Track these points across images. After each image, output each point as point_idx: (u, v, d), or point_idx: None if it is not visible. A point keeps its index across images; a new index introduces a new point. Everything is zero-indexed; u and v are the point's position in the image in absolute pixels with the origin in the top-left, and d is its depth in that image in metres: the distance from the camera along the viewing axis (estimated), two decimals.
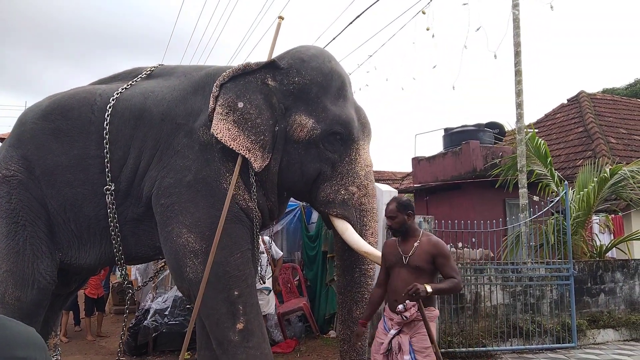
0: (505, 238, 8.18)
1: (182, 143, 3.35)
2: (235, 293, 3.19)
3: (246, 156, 3.23)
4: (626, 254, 8.45)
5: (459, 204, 10.90)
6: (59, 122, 3.52)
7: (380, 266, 3.35)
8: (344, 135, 3.48)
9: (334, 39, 8.03)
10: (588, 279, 7.23)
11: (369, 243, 3.43)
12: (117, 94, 3.55)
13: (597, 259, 7.88)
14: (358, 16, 8.15)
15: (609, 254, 8.38)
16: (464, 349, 6.01)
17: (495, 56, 8.20)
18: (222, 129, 3.20)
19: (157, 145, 3.41)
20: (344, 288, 3.59)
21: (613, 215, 9.18)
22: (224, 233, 3.20)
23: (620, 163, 9.02)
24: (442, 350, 5.97)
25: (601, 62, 54.46)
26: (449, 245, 7.41)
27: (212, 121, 3.23)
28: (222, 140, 3.18)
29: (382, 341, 3.20)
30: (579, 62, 52.29)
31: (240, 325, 3.16)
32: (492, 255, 6.96)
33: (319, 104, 3.44)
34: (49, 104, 3.65)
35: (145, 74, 3.82)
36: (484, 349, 6.09)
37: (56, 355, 4.07)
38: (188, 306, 6.56)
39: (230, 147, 3.19)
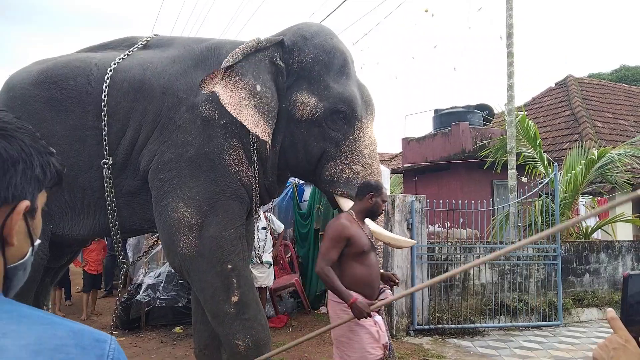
0: (493, 218, 8.32)
1: (183, 118, 3.29)
2: (229, 267, 3.20)
3: (266, 140, 3.19)
4: (610, 235, 8.66)
5: (448, 185, 11.01)
6: (54, 91, 3.41)
7: (327, 249, 3.07)
8: (347, 114, 3.43)
9: (328, 15, 7.94)
10: (574, 259, 7.40)
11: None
12: (114, 64, 3.45)
13: (583, 240, 8.06)
14: None
15: (594, 235, 8.57)
16: (452, 326, 6.14)
17: (500, 37, 8.11)
18: (246, 116, 3.10)
19: (158, 119, 3.35)
20: None
21: (599, 198, 9.35)
22: (222, 208, 3.22)
23: (606, 146, 9.16)
24: (432, 326, 6.11)
25: (587, 48, 54.79)
26: (437, 225, 7.56)
27: (203, 86, 3.05)
28: (247, 126, 3.10)
29: (377, 329, 3.07)
30: (565, 47, 52.59)
31: (235, 298, 3.17)
32: (479, 235, 7.08)
33: (322, 82, 3.38)
34: (40, 71, 3.51)
35: (141, 44, 3.73)
36: (472, 325, 6.23)
37: None
38: (180, 281, 6.58)
39: (255, 133, 3.13)
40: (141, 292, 6.44)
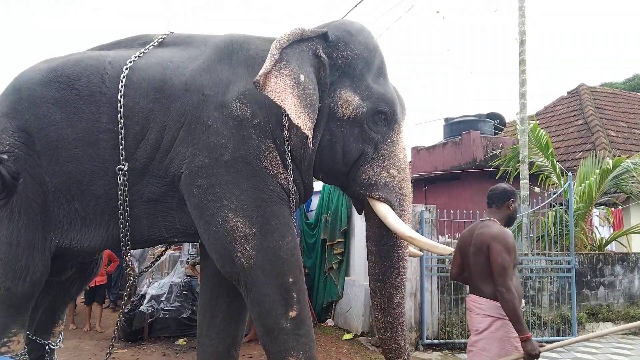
0: None
1: (213, 117, 3.07)
2: (290, 280, 3.02)
3: (307, 134, 2.98)
4: (626, 247, 8.43)
5: (458, 195, 10.83)
6: (64, 91, 3.18)
7: (509, 263, 2.99)
8: (388, 115, 3.32)
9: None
10: (588, 271, 7.19)
11: None
12: (130, 62, 3.24)
13: (597, 252, 7.85)
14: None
15: (608, 247, 8.35)
16: (462, 340, 5.95)
17: (516, 39, 7.88)
18: (290, 104, 2.90)
19: (183, 118, 3.12)
20: (382, 275, 3.38)
21: (613, 209, 9.13)
22: (272, 215, 3.04)
23: (621, 156, 8.96)
24: (442, 341, 5.93)
25: (600, 56, 54.45)
26: (447, 235, 7.39)
27: (258, 83, 2.83)
28: (290, 114, 2.90)
29: None
30: (578, 56, 52.29)
31: (293, 313, 3.00)
32: None
33: (363, 81, 3.27)
34: (49, 69, 3.28)
35: (157, 41, 3.51)
36: None
37: (59, 343, 3.92)
38: (185, 292, 6.47)
39: (296, 123, 2.91)
40: (144, 303, 6.32)
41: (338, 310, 7.06)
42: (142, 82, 3.18)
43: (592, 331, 6.83)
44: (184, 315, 6.38)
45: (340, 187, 3.63)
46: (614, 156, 9.16)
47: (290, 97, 2.90)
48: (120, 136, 3.11)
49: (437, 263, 6.15)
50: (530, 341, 2.81)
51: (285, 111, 2.91)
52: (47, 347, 3.70)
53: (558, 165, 8.50)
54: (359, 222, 6.86)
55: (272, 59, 2.89)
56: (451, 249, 3.35)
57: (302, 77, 3.01)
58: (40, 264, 3.20)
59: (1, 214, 3.11)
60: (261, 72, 2.82)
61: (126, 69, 3.20)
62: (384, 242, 3.37)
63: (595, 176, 7.75)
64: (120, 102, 3.12)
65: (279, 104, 2.87)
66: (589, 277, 7.19)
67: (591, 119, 12.41)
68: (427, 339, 5.87)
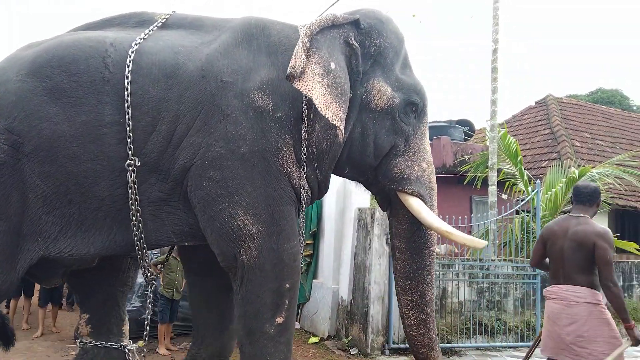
0: (472, 234, 8.18)
1: (232, 105, 2.84)
2: (287, 285, 2.92)
3: (338, 125, 2.84)
4: None
5: None
6: (59, 79, 2.79)
7: (613, 259, 3.28)
8: (419, 107, 3.27)
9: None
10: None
11: None
12: (136, 45, 2.90)
13: None
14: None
15: None
16: None
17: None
18: (318, 94, 2.74)
19: (200, 106, 2.86)
20: (413, 272, 3.32)
21: None
22: (280, 216, 2.91)
23: (585, 166, 9.15)
24: (407, 345, 5.88)
25: (566, 69, 56.10)
26: None
27: (293, 77, 2.70)
28: (317, 105, 2.75)
29: None
30: (544, 68, 53.75)
31: (280, 319, 2.90)
32: (456, 251, 6.94)
33: (393, 71, 3.18)
34: (37, 54, 2.87)
35: (160, 22, 3.17)
36: (449, 345, 6.04)
37: (131, 343, 3.57)
38: (146, 292, 6.25)
39: (324, 114, 2.77)
40: None
41: (305, 313, 6.95)
42: (152, 67, 2.88)
43: None
44: (143, 317, 6.16)
45: (364, 183, 3.50)
46: (579, 166, 9.36)
47: (319, 86, 2.76)
48: (127, 128, 2.79)
49: None
50: (635, 328, 3.16)
51: (312, 101, 2.74)
52: (125, 350, 3.39)
53: (526, 172, 8.62)
54: (329, 224, 6.79)
55: (304, 47, 2.75)
56: (485, 243, 3.46)
57: (332, 65, 2.89)
58: (3, 284, 2.81)
59: None
60: (292, 63, 2.69)
61: (132, 52, 2.87)
62: (414, 239, 3.31)
63: (561, 185, 7.88)
64: (127, 89, 2.80)
65: (306, 93, 2.74)
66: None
67: (557, 128, 12.67)
68: (393, 342, 5.82)
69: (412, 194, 3.20)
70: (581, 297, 3.26)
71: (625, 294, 8.07)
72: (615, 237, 8.77)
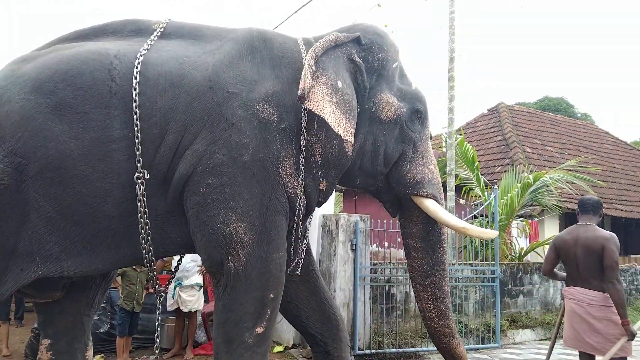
0: None
1: (237, 115, 2.86)
2: (271, 295, 2.92)
3: (349, 140, 2.97)
4: (542, 257, 8.89)
5: None
6: (63, 94, 2.69)
7: (618, 261, 3.71)
8: (423, 114, 3.44)
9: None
10: (509, 281, 7.51)
11: None
12: (141, 56, 2.86)
13: (517, 262, 8.22)
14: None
15: (527, 257, 8.79)
16: (393, 350, 5.98)
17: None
18: (329, 112, 2.86)
19: (206, 116, 2.84)
20: (431, 269, 3.50)
21: (530, 220, 9.64)
22: (272, 225, 2.91)
23: (536, 171, 9.49)
24: (373, 351, 5.92)
25: (515, 77, 58.28)
26: (375, 244, 7.45)
27: (303, 98, 2.81)
28: (329, 123, 2.85)
29: None
30: (495, 75, 55.69)
31: (260, 330, 2.88)
32: None
33: (394, 82, 3.35)
34: (38, 70, 2.76)
35: (159, 32, 3.13)
36: (412, 349, 6.10)
37: None
38: (103, 304, 6.02)
39: (336, 131, 2.88)
40: None
41: None
42: (159, 78, 2.83)
43: (514, 338, 7.12)
44: (101, 330, 5.93)
45: (374, 192, 3.62)
46: (531, 171, 9.70)
47: (329, 105, 2.87)
48: (137, 141, 2.72)
49: (370, 273, 6.14)
50: (630, 324, 3.62)
51: (325, 120, 2.85)
52: None
53: (482, 178, 8.85)
54: None
55: (310, 70, 2.85)
56: (496, 232, 3.92)
57: (339, 84, 2.99)
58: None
59: None
60: (301, 85, 2.78)
61: (138, 63, 2.81)
62: (430, 238, 3.49)
63: (516, 190, 8.14)
64: (135, 101, 2.73)
65: (317, 113, 2.83)
66: (509, 286, 7.51)
67: (509, 135, 13.11)
68: (359, 349, 5.82)
69: (427, 197, 3.38)
70: (595, 300, 3.73)
71: None
72: None
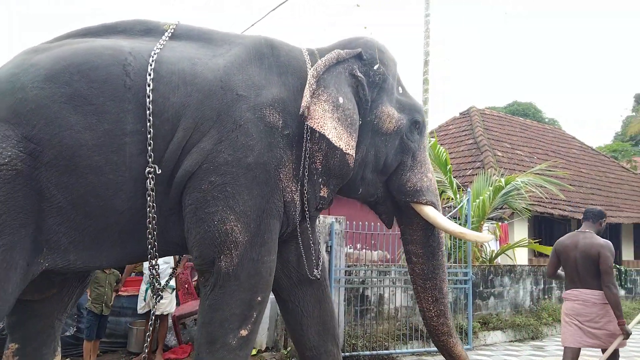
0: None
1: (245, 117, 2.93)
2: (258, 298, 2.95)
3: (350, 154, 3.10)
4: (512, 259, 9.05)
5: (360, 206, 11.00)
6: (78, 85, 2.71)
7: (612, 266, 4.14)
8: (421, 124, 3.59)
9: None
10: (481, 283, 7.60)
11: None
12: (155, 54, 2.91)
13: (488, 264, 8.33)
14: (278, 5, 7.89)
15: (497, 260, 8.92)
16: (367, 352, 5.98)
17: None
18: (330, 128, 3.00)
19: (216, 116, 2.90)
20: (431, 272, 3.64)
21: (500, 223, 9.79)
22: (267, 229, 2.97)
23: (506, 175, 9.64)
24: (347, 353, 5.89)
25: (486, 81, 59.36)
26: (348, 246, 7.44)
27: (304, 116, 2.96)
28: (330, 139, 3.00)
29: None
30: (466, 79, 56.64)
31: (244, 332, 2.89)
32: (389, 257, 7.04)
33: (394, 94, 3.49)
34: (53, 61, 2.77)
35: (170, 33, 3.18)
36: (386, 352, 6.11)
37: None
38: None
39: (338, 146, 3.03)
40: None
41: None
42: (172, 75, 2.88)
43: (485, 340, 7.21)
44: (67, 334, 5.74)
45: (372, 203, 3.72)
46: (501, 174, 9.86)
47: (329, 122, 3.01)
48: (149, 136, 2.75)
49: (345, 275, 6.12)
50: (625, 325, 4.03)
51: (325, 136, 2.99)
52: None
53: (455, 181, 8.94)
54: None
55: (311, 89, 2.98)
56: (491, 236, 4.24)
57: (340, 100, 3.11)
58: (12, 296, 2.61)
59: None
60: (303, 103, 2.93)
61: (152, 61, 2.85)
62: (429, 243, 3.62)
63: (488, 193, 8.24)
64: (149, 97, 2.76)
65: (318, 130, 2.98)
66: (481, 288, 7.60)
67: (480, 139, 13.30)
68: None
69: (426, 204, 3.49)
70: (597, 299, 4.13)
71: (545, 296, 8.59)
72: (537, 242, 9.38)
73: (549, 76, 60.50)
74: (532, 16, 61.89)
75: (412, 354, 6.37)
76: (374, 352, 6.01)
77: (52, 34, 3.08)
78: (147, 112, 2.76)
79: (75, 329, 5.79)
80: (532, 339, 7.64)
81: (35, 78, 2.69)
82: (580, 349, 4.28)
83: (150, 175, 2.77)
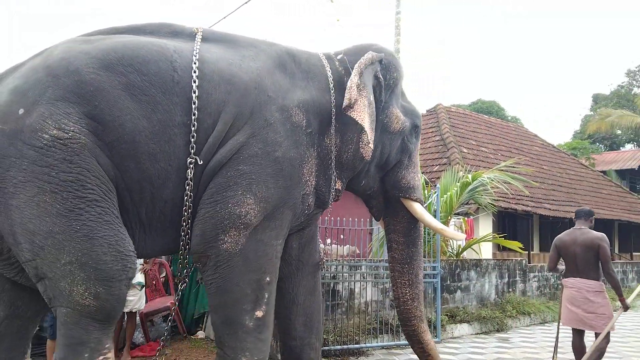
0: (374, 235, 8.42)
1: (274, 117, 3.20)
2: (267, 279, 3.12)
3: (372, 147, 3.46)
4: (477, 253, 9.23)
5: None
6: (132, 77, 2.81)
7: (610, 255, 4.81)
8: (419, 129, 4.01)
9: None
10: (448, 276, 7.72)
11: None
12: (197, 54, 3.08)
13: (455, 258, 8.48)
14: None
15: (463, 254, 9.08)
16: (338, 347, 5.99)
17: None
18: (367, 122, 3.34)
19: (250, 113, 3.12)
20: (410, 258, 4.06)
21: (467, 218, 9.97)
22: (280, 215, 3.21)
23: (472, 171, 9.82)
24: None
25: (451, 79, 60.32)
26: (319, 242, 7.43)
27: (350, 107, 3.28)
28: (367, 131, 3.35)
29: None
30: (431, 78, 57.43)
31: (259, 313, 3.06)
32: (358, 251, 7.08)
33: (399, 98, 3.87)
34: (104, 51, 2.83)
35: (200, 37, 3.31)
36: (356, 346, 6.13)
37: None
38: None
39: (370, 139, 3.39)
40: None
41: (210, 321, 6.67)
42: (213, 74, 3.06)
43: (452, 333, 7.33)
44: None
45: (367, 197, 4.11)
46: (467, 171, 10.03)
47: (367, 117, 3.35)
48: (193, 129, 2.91)
49: None
50: (625, 300, 4.75)
51: (363, 128, 3.34)
52: None
53: (424, 177, 9.04)
54: None
55: (356, 83, 3.32)
56: (464, 235, 5.09)
57: (371, 98, 3.46)
58: (134, 255, 2.80)
59: (68, 203, 2.56)
60: (348, 96, 3.26)
61: (196, 59, 3.03)
62: (411, 234, 4.08)
63: (456, 188, 8.37)
64: (195, 92, 2.93)
65: (359, 121, 3.31)
66: (448, 282, 7.72)
67: (447, 136, 13.52)
68: None
69: (416, 201, 3.96)
70: (592, 287, 4.81)
71: (510, 289, 8.80)
72: (502, 236, 9.59)
73: (511, 75, 62.04)
74: (505, 16, 63.21)
75: (382, 347, 6.42)
76: (345, 347, 6.03)
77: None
78: (193, 106, 2.91)
79: (37, 328, 5.59)
80: (498, 331, 7.82)
81: (89, 64, 2.75)
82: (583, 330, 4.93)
83: (191, 166, 2.92)
